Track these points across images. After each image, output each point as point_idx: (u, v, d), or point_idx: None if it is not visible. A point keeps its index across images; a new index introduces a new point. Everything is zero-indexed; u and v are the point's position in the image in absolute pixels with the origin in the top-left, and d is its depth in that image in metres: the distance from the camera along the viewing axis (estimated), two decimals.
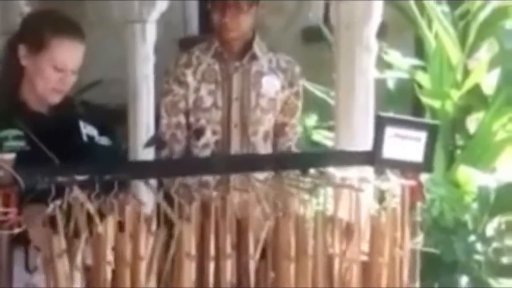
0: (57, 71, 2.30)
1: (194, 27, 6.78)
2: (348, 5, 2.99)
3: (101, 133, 2.43)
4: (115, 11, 3.86)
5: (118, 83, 4.32)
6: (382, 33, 3.16)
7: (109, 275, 1.86)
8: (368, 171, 2.29)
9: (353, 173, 2.24)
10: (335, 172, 2.22)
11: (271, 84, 2.91)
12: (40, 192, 1.86)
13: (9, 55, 2.38)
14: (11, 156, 1.83)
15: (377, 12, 3.01)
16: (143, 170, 1.99)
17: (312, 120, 4.45)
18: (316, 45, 5.84)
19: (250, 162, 2.06)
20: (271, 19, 6.53)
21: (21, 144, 2.29)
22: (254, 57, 2.90)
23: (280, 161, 2.10)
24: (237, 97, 2.87)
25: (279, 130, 2.99)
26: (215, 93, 2.85)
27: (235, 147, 2.82)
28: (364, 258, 2.14)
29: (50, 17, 2.42)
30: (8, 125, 2.31)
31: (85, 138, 2.40)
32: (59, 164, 2.24)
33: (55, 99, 2.34)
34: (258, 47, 2.90)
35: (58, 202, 1.82)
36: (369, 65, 3.04)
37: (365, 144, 2.81)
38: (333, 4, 3.01)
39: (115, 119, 4.09)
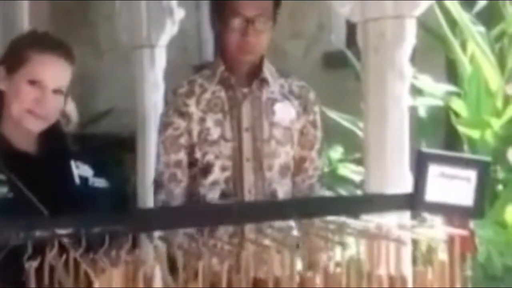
0: (32, 87, 2.03)
1: (209, 53, 6.56)
2: (377, 26, 2.72)
3: (97, 172, 2.15)
4: (123, 36, 3.63)
5: (131, 112, 4.11)
6: (410, 56, 2.89)
7: None
8: (405, 216, 2.00)
9: (388, 218, 1.95)
10: (368, 218, 1.94)
11: (285, 112, 2.59)
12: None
13: None
14: None
15: (410, 33, 2.73)
16: (142, 220, 1.69)
17: (337, 152, 4.14)
18: (339, 71, 5.56)
19: (268, 209, 1.74)
20: (289, 44, 6.31)
21: (2, 190, 2.02)
22: (264, 82, 2.59)
23: (304, 207, 1.80)
24: (248, 127, 2.54)
25: (297, 166, 2.65)
26: (223, 124, 2.52)
27: (249, 184, 2.49)
28: None
29: (33, 34, 2.19)
30: None
31: (77, 180, 2.11)
32: (39, 214, 1.97)
33: (32, 125, 2.06)
34: (268, 71, 2.59)
35: (34, 263, 1.55)
36: (403, 92, 2.75)
37: (400, 181, 2.56)
38: (359, 25, 2.72)
39: (128, 149, 3.90)
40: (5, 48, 2.19)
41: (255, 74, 2.56)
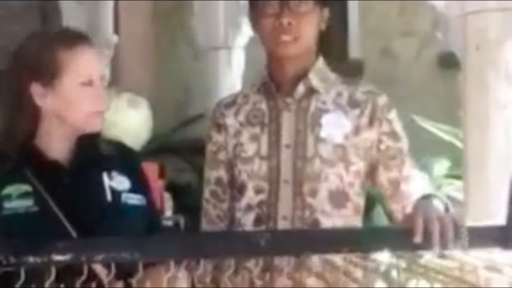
0: (86, 87, 1.87)
1: None
2: (479, 20, 2.37)
3: (135, 186, 1.91)
4: (200, 37, 3.43)
5: None
6: None
7: None
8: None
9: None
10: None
11: (335, 125, 2.11)
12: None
13: (19, 98, 1.94)
14: None
15: None
16: (151, 248, 1.43)
17: (442, 166, 3.74)
18: (457, 73, 5.16)
19: (309, 240, 1.44)
20: (400, 43, 5.94)
21: (27, 203, 1.82)
22: (311, 91, 2.19)
23: (361, 240, 1.48)
24: (289, 144, 2.13)
25: (393, 194, 2.15)
26: (259, 139, 2.15)
27: (285, 211, 2.09)
28: None
29: (58, 36, 1.99)
30: (16, 179, 1.86)
31: (108, 195, 1.88)
32: (65, 234, 1.75)
33: (98, 124, 1.89)
34: (317, 76, 2.13)
35: None
36: (510, 97, 2.38)
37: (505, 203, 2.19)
38: (457, 19, 2.38)
39: None
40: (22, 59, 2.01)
41: (300, 81, 2.17)
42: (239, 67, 3.35)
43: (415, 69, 6.00)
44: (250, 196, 2.08)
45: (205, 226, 2.23)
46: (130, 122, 3.27)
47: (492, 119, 2.37)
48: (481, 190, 2.41)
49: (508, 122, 2.38)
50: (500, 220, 1.62)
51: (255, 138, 2.10)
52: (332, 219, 2.07)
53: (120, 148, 2.13)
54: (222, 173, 2.16)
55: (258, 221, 2.09)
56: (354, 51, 5.96)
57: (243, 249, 1.41)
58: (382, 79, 5.12)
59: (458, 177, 3.66)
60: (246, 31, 3.28)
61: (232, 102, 2.18)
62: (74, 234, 1.82)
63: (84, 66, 1.90)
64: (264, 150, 2.08)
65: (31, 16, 6.45)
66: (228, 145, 2.14)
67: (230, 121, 2.14)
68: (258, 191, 2.08)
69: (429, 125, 3.66)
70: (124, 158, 1.99)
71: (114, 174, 1.91)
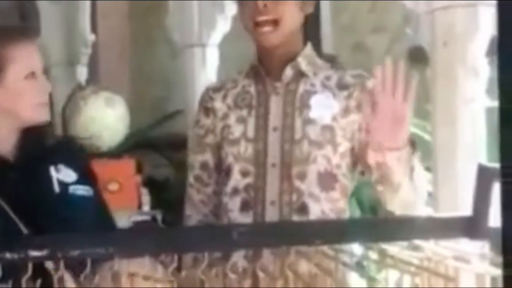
0: (30, 80, 1.89)
1: None
2: (446, 16, 2.38)
3: (82, 178, 1.90)
4: (175, 35, 3.42)
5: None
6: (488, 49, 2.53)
7: None
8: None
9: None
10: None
11: (324, 106, 2.10)
12: None
13: None
14: None
15: (486, 23, 2.37)
16: (127, 242, 1.42)
17: None
18: (426, 67, 5.18)
19: (287, 232, 1.43)
20: (371, 38, 5.96)
21: None
22: (299, 74, 2.17)
23: (334, 232, 1.48)
24: (277, 126, 2.11)
25: (379, 177, 2.13)
26: (246, 121, 2.13)
27: (272, 195, 2.08)
28: None
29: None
30: None
31: (56, 188, 1.87)
32: (14, 229, 1.75)
33: (45, 115, 1.91)
34: (306, 61, 2.13)
35: None
36: (477, 91, 2.39)
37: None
38: (425, 15, 2.39)
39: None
40: None
41: (288, 64, 2.15)
42: (214, 64, 3.34)
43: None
44: (236, 179, 2.05)
45: (188, 211, 2.21)
46: (108, 119, 3.26)
47: (460, 112, 2.38)
48: (450, 182, 2.42)
49: (475, 116, 2.39)
50: (468, 211, 1.64)
51: (242, 120, 2.08)
52: (320, 203, 2.05)
53: (67, 141, 2.15)
54: (208, 157, 2.15)
55: (245, 205, 2.06)
56: (327, 46, 5.97)
57: (220, 243, 1.41)
58: None
59: (426, 169, 3.67)
60: (220, 29, 3.27)
61: (220, 87, 2.18)
62: (23, 228, 1.80)
63: (27, 60, 1.91)
64: (250, 132, 2.07)
65: (10, 16, 6.38)
66: (216, 128, 2.13)
67: (218, 104, 2.13)
68: (244, 173, 2.05)
69: None
70: (71, 151, 1.99)
71: (61, 167, 1.90)
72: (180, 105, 5.82)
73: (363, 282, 1.91)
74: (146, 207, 3.36)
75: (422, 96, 3.15)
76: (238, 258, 1.93)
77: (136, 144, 4.20)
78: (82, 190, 1.88)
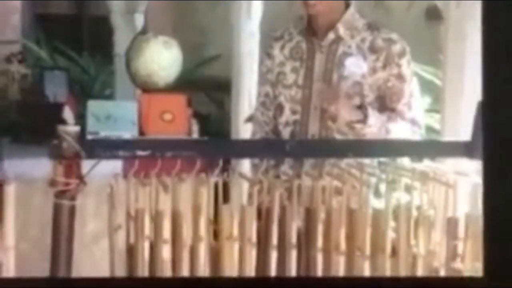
0: None
1: None
2: None
3: None
4: None
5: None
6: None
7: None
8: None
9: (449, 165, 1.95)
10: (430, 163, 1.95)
11: (355, 66, 2.55)
12: None
13: None
14: (75, 128, 1.74)
15: None
16: (211, 148, 1.78)
17: (424, 103, 4.06)
18: (440, 23, 5.40)
19: (325, 148, 1.78)
20: None
21: None
22: (338, 38, 2.58)
23: (359, 148, 1.82)
24: (319, 78, 2.58)
25: (388, 118, 2.58)
26: (298, 71, 2.60)
27: (313, 131, 2.53)
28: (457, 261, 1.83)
29: None
30: None
31: None
32: None
33: None
34: (346, 25, 2.54)
35: None
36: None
37: None
38: None
39: (228, 91, 4.07)
40: None
41: (330, 30, 2.57)
42: (257, 15, 3.61)
43: (406, 20, 6.24)
44: (287, 115, 2.52)
45: (254, 129, 2.68)
46: (165, 60, 3.58)
47: (467, 63, 2.67)
48: (455, 121, 2.73)
49: (479, 66, 2.68)
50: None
51: (295, 70, 2.53)
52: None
53: None
54: (268, 89, 2.60)
55: (292, 136, 2.52)
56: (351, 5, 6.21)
57: (277, 153, 1.75)
58: None
59: (437, 111, 3.98)
60: None
61: (280, 37, 2.62)
62: None
63: None
64: (300, 80, 2.50)
65: None
66: (273, 70, 2.56)
67: (276, 52, 2.57)
68: (293, 112, 2.52)
69: (416, 67, 3.96)
70: None
71: None
72: (217, 51, 6.13)
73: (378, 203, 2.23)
74: (195, 135, 3.70)
75: (436, 48, 3.45)
76: (286, 167, 2.34)
77: (184, 83, 4.51)
78: None
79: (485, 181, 1.43)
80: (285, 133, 2.53)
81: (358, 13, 2.61)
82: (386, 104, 2.56)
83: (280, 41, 2.63)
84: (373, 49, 2.55)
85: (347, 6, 2.58)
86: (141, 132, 3.17)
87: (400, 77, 2.57)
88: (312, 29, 2.57)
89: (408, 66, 2.60)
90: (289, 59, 2.59)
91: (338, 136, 2.47)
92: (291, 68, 2.58)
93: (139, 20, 4.72)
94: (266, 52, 2.67)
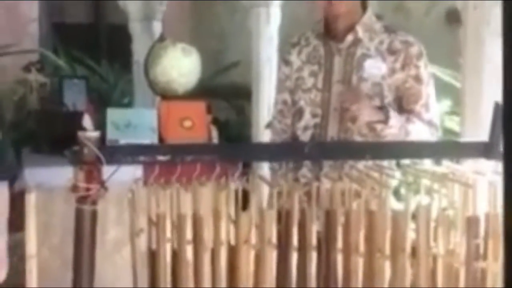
0: None
1: None
2: None
3: None
4: None
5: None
6: None
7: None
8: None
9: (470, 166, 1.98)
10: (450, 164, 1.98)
11: (375, 68, 2.57)
12: None
13: None
14: (95, 134, 1.79)
15: None
16: (229, 152, 1.83)
17: (444, 105, 4.09)
18: (460, 27, 5.43)
19: (343, 149, 1.83)
20: (412, 1, 6.21)
21: None
22: (357, 40, 2.62)
23: (378, 150, 1.86)
24: (339, 80, 2.61)
25: (407, 120, 2.62)
26: (317, 75, 2.63)
27: (332, 133, 2.56)
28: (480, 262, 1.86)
29: None
30: None
31: None
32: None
33: None
34: (364, 28, 2.58)
35: None
36: (499, 49, 2.71)
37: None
38: None
39: (249, 97, 4.11)
40: None
41: (349, 32, 2.60)
42: (276, 21, 3.67)
43: (425, 23, 6.27)
44: (307, 119, 2.56)
45: (272, 137, 2.73)
46: (184, 67, 3.63)
47: (485, 68, 2.70)
48: (475, 123, 2.76)
49: (498, 71, 2.71)
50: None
51: (313, 74, 2.57)
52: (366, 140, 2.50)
53: None
54: (286, 96, 2.65)
55: (312, 139, 2.56)
56: (372, 8, 6.25)
57: (296, 155, 1.79)
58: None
59: (457, 114, 4.01)
60: None
61: (297, 43, 2.66)
62: None
63: None
64: (320, 84, 2.54)
65: None
66: (292, 76, 2.60)
67: (294, 58, 2.61)
68: (314, 115, 2.56)
69: (435, 69, 3.99)
70: None
71: None
72: (236, 57, 6.19)
73: (399, 205, 2.27)
74: (215, 141, 3.75)
75: (456, 51, 3.49)
76: (305, 170, 2.38)
77: (204, 90, 4.58)
78: None
79: (506, 180, 1.45)
80: (305, 137, 2.57)
81: (375, 16, 2.66)
82: (403, 105, 2.60)
83: (297, 46, 2.67)
84: (391, 51, 2.60)
85: (364, 9, 2.63)
86: (161, 139, 3.21)
87: (418, 78, 2.61)
88: (330, 32, 2.61)
89: (425, 68, 2.64)
90: (307, 63, 2.63)
91: (357, 138, 2.52)
92: (309, 72, 2.62)
93: (157, 28, 4.79)
94: (283, 59, 2.71)
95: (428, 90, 2.66)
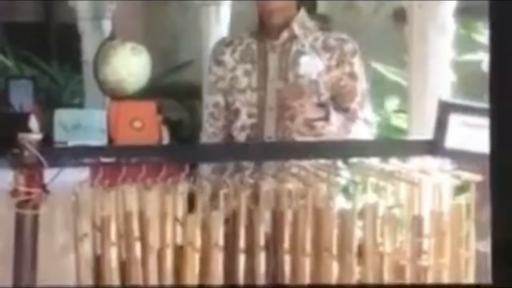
0: None
1: None
2: None
3: None
4: None
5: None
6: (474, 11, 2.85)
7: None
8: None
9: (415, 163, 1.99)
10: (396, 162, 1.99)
11: (310, 65, 2.53)
12: None
13: None
14: (37, 136, 1.74)
15: None
16: (176, 153, 1.79)
17: (393, 103, 4.11)
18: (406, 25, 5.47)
19: (286, 149, 1.81)
20: (361, 0, 6.24)
21: None
22: (293, 36, 2.58)
23: (321, 150, 1.84)
24: (273, 78, 2.55)
25: (345, 118, 2.58)
26: (251, 74, 2.57)
27: (269, 132, 2.51)
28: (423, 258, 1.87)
29: None
30: None
31: None
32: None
33: None
34: (299, 25, 2.55)
35: None
36: (444, 46, 2.74)
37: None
38: None
39: (200, 97, 4.08)
40: None
41: (284, 28, 2.56)
42: (226, 21, 3.64)
43: (374, 22, 6.29)
44: (243, 119, 2.50)
45: (203, 140, 2.65)
46: (133, 67, 3.57)
47: (430, 64, 2.72)
48: (421, 121, 2.77)
49: (443, 67, 2.73)
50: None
51: (247, 73, 2.51)
52: (305, 139, 2.46)
53: None
54: (218, 98, 2.57)
55: (249, 139, 2.50)
56: (322, 7, 6.27)
57: (237, 155, 1.77)
58: (345, 30, 5.45)
59: (405, 112, 4.03)
60: None
61: (229, 42, 2.60)
62: None
63: None
64: (254, 83, 2.48)
65: None
66: (226, 77, 2.54)
67: (227, 58, 2.55)
68: (250, 115, 2.50)
69: (383, 68, 4.01)
70: None
71: None
72: (188, 56, 6.14)
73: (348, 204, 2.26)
74: (166, 141, 3.70)
75: (402, 49, 3.51)
76: (251, 171, 2.33)
77: (154, 90, 4.52)
78: None
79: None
80: (241, 138, 2.51)
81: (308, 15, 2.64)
82: (339, 102, 2.57)
83: (231, 46, 2.61)
84: (326, 48, 2.57)
85: (298, 7, 2.60)
86: (110, 141, 3.15)
87: (353, 75, 2.59)
88: (264, 30, 2.56)
89: (359, 65, 2.63)
90: (240, 62, 2.56)
91: (296, 136, 2.47)
92: (243, 72, 2.55)
93: (107, 26, 4.72)
94: (215, 60, 2.62)
95: (363, 87, 2.64)
